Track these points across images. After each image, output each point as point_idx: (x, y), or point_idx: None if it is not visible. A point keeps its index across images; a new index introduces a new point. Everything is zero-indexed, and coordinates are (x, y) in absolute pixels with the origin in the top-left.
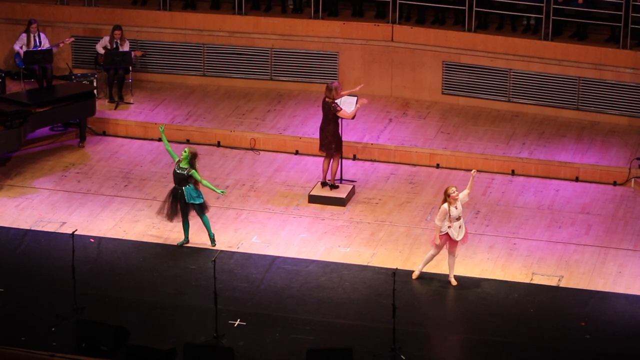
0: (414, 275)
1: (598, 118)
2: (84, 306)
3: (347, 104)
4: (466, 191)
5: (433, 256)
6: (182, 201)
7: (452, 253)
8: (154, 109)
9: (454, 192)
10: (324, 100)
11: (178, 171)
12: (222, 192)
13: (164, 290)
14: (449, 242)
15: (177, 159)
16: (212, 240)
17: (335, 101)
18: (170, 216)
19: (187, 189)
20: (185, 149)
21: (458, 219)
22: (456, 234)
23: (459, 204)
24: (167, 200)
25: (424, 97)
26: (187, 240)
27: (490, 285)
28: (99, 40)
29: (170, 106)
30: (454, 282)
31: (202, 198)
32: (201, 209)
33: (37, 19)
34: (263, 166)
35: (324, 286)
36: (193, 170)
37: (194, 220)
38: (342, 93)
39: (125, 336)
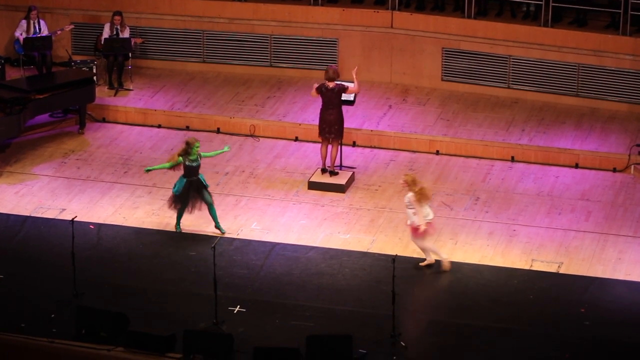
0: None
1: (598, 104)
2: (84, 292)
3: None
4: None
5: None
6: (201, 188)
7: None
8: (153, 96)
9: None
10: (325, 87)
11: (194, 164)
12: (227, 148)
13: (163, 277)
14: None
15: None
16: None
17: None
18: (193, 208)
19: (201, 176)
20: (191, 141)
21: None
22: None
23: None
24: (189, 196)
25: (423, 84)
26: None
27: (489, 272)
28: (101, 31)
29: (170, 93)
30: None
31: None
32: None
33: (37, 6)
34: (263, 153)
35: (323, 273)
36: (203, 153)
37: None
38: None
39: (125, 323)
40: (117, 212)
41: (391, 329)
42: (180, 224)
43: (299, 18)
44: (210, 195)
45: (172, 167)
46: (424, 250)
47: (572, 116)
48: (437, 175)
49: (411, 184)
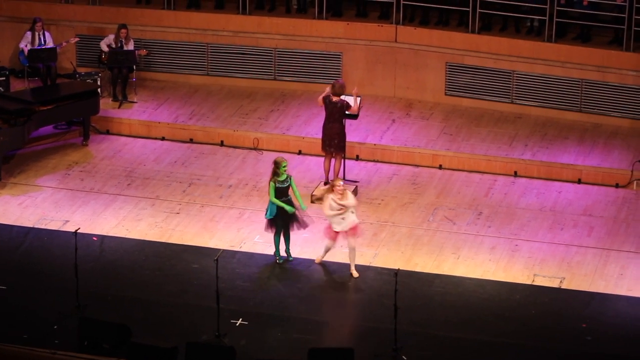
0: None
1: (601, 120)
2: (87, 304)
3: (348, 101)
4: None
5: (328, 248)
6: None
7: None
8: (157, 108)
9: (338, 186)
10: (329, 100)
11: (284, 185)
12: (304, 208)
13: (166, 289)
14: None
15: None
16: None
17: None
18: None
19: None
20: (279, 160)
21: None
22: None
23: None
24: (282, 219)
25: (427, 98)
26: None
27: (492, 287)
28: (103, 38)
29: (174, 105)
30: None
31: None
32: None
33: (42, 18)
34: (266, 166)
35: (325, 286)
36: (291, 178)
37: (199, 218)
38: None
39: (128, 334)
40: (120, 224)
41: (393, 342)
42: (280, 252)
43: (303, 32)
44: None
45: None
46: (329, 249)
47: (575, 131)
48: (439, 190)
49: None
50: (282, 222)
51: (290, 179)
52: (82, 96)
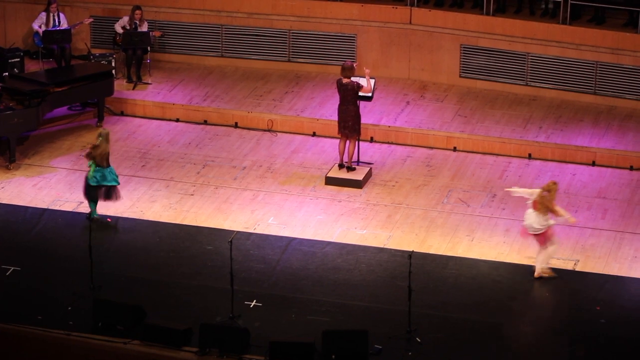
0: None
1: (615, 102)
2: (101, 285)
3: (362, 82)
4: None
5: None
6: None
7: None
8: (172, 90)
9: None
10: (340, 82)
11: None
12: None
13: (180, 271)
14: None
15: None
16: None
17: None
18: None
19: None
20: None
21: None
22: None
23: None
24: None
25: (441, 80)
26: None
27: (505, 269)
28: (118, 20)
29: (188, 87)
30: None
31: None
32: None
33: None
34: (280, 148)
35: (340, 268)
36: None
37: (213, 200)
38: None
39: (142, 316)
40: (134, 205)
41: (407, 324)
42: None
43: (317, 13)
44: None
45: None
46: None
47: (589, 114)
48: (454, 172)
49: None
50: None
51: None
52: (96, 77)
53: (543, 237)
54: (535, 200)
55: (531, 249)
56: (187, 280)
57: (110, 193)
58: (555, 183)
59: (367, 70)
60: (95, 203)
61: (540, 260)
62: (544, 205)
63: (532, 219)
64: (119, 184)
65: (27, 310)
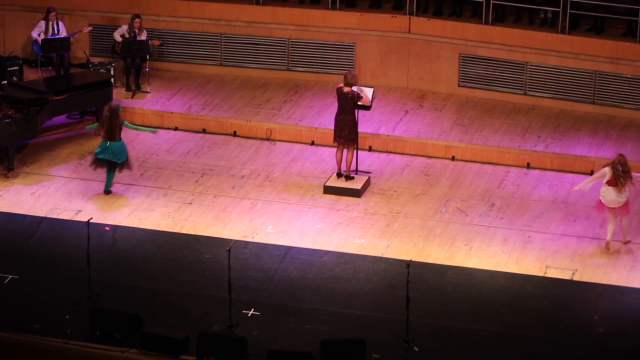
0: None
1: (614, 112)
2: (99, 294)
3: (364, 93)
4: None
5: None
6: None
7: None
8: (170, 98)
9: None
10: (340, 90)
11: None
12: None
13: (178, 279)
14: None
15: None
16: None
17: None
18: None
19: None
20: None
21: None
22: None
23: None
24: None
25: (440, 89)
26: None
27: (504, 278)
28: (117, 28)
29: (187, 95)
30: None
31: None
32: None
33: (56, 7)
34: (279, 156)
35: (338, 277)
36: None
37: (211, 208)
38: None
39: (140, 324)
40: (132, 214)
41: (405, 334)
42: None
43: (316, 22)
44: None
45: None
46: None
47: (588, 123)
48: (452, 181)
49: None
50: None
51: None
52: (95, 86)
53: (624, 208)
54: (610, 178)
55: (529, 258)
56: (185, 289)
57: (121, 167)
58: (622, 155)
59: (372, 91)
60: (108, 175)
61: (612, 230)
62: (621, 180)
63: (613, 194)
64: (119, 161)
65: (25, 318)
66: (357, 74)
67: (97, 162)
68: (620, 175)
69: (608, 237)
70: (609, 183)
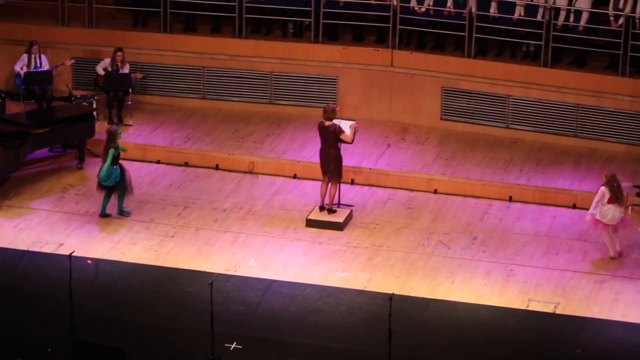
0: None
1: (596, 145)
2: (81, 327)
3: (343, 125)
4: None
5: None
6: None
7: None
8: (153, 131)
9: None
10: (322, 125)
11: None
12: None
13: (160, 312)
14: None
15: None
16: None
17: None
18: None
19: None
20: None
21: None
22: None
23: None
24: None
25: (422, 123)
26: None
27: (486, 311)
28: (100, 62)
29: (170, 128)
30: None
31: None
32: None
33: (38, 41)
34: (261, 189)
35: (320, 310)
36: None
37: (193, 242)
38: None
39: (122, 358)
40: (114, 247)
41: None
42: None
43: (299, 55)
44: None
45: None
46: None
47: (570, 156)
48: (434, 214)
49: None
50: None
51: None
52: (77, 119)
53: (622, 222)
54: (610, 197)
55: (511, 291)
56: (168, 322)
57: (114, 191)
58: (609, 172)
59: (354, 124)
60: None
61: (612, 241)
62: (619, 195)
63: (616, 211)
64: (105, 184)
65: (7, 351)
66: (336, 107)
67: (97, 185)
68: (617, 190)
69: (612, 253)
70: (609, 201)
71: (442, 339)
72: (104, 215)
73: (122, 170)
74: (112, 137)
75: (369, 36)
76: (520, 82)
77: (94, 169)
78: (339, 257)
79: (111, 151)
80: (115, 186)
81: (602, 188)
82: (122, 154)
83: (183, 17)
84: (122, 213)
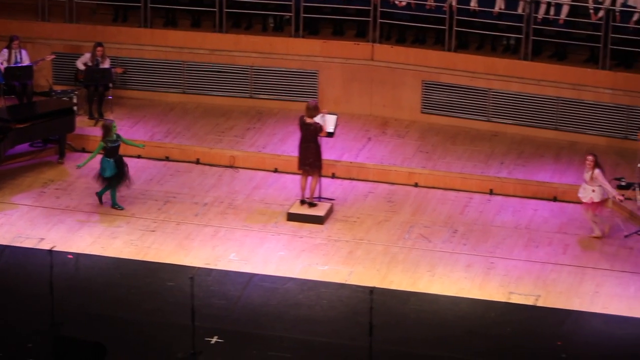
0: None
1: (577, 138)
2: (62, 322)
3: (327, 122)
4: None
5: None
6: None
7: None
8: (133, 126)
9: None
10: (303, 121)
11: (115, 144)
12: (142, 145)
13: (141, 307)
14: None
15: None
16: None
17: (316, 119)
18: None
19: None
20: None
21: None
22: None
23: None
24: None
25: (403, 116)
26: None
27: (467, 304)
28: (80, 57)
29: (150, 123)
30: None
31: None
32: None
33: (19, 36)
34: (242, 184)
35: (301, 304)
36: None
37: (174, 236)
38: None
39: (103, 352)
40: (95, 242)
41: None
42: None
43: (279, 50)
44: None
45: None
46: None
47: (551, 149)
48: (415, 208)
49: None
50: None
51: (119, 137)
52: (58, 114)
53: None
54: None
55: (492, 284)
56: (149, 317)
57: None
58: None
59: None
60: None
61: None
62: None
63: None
64: (103, 175)
65: None
66: (317, 104)
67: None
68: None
69: (598, 232)
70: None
71: (423, 332)
72: (116, 206)
73: (122, 163)
74: (107, 130)
75: (349, 30)
76: (501, 76)
77: (75, 163)
78: (320, 251)
79: (100, 144)
80: (114, 178)
81: (597, 170)
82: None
83: (163, 11)
84: (115, 206)
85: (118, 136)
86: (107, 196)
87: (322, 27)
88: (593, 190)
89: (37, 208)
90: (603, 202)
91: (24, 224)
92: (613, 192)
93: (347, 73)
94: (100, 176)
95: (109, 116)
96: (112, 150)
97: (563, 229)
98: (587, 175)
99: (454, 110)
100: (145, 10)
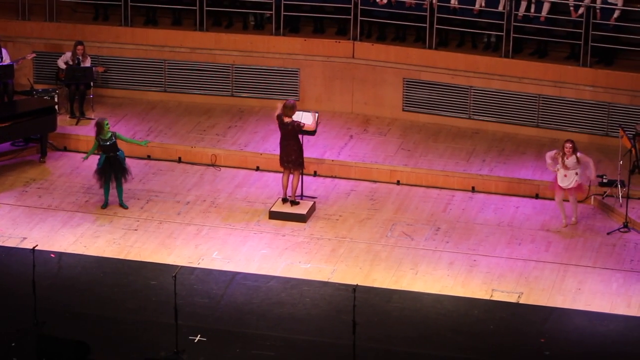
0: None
1: (558, 135)
2: (45, 321)
3: (305, 118)
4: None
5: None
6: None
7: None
8: (115, 125)
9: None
10: (281, 119)
11: (109, 143)
12: (145, 143)
13: (124, 306)
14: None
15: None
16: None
17: (293, 118)
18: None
19: (121, 153)
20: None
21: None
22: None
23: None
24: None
25: (384, 114)
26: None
27: (450, 302)
28: (61, 56)
29: (132, 122)
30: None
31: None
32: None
33: None
34: (224, 182)
35: (284, 302)
36: (119, 135)
37: (157, 234)
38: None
39: (86, 351)
40: (78, 241)
41: (352, 358)
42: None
43: (260, 48)
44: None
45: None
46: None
47: (532, 147)
48: (397, 205)
49: None
50: (111, 172)
51: (115, 134)
52: (39, 113)
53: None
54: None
55: (475, 281)
56: (132, 315)
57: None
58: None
59: (316, 115)
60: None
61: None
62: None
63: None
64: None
65: None
66: (294, 103)
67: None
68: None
69: (565, 220)
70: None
71: (406, 330)
72: (111, 206)
73: (119, 160)
74: (99, 128)
75: (330, 28)
76: (482, 73)
77: (56, 162)
78: (303, 249)
79: (95, 143)
80: (110, 177)
81: (579, 153)
82: (85, 147)
83: (144, 10)
84: (122, 205)
85: (114, 134)
86: (113, 195)
87: (303, 25)
88: (576, 174)
89: (19, 207)
90: (584, 184)
91: (6, 223)
92: (595, 171)
93: (328, 71)
94: (99, 174)
95: (91, 115)
96: (106, 148)
97: (545, 226)
98: (569, 161)
99: (435, 108)
100: (126, 8)
